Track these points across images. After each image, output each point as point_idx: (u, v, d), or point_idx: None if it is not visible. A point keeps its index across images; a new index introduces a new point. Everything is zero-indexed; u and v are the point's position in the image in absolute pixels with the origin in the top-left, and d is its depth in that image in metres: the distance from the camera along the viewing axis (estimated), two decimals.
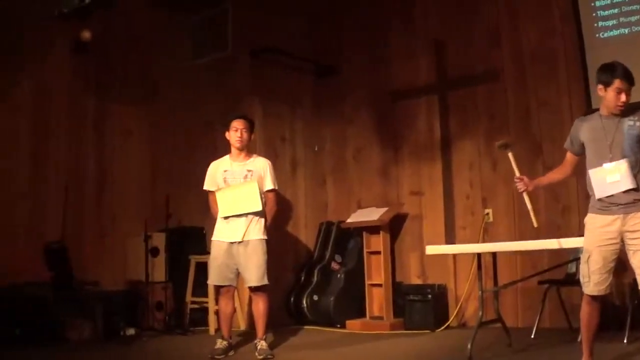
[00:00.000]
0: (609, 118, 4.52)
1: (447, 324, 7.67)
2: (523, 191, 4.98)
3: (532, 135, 7.54)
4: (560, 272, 6.75)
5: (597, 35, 7.29)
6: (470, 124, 7.99)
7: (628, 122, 4.45)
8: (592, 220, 4.55)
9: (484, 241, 7.59)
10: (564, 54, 7.44)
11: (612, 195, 4.41)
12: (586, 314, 4.57)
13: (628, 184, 4.36)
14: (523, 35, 7.72)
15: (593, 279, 4.45)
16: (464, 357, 5.52)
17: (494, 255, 6.27)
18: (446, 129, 8.16)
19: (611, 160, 4.43)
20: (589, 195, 4.68)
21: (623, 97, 4.42)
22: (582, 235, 6.42)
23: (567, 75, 7.38)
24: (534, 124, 7.57)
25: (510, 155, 5.19)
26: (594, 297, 4.50)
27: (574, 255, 6.71)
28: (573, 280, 6.70)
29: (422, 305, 7.68)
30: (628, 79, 4.43)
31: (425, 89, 8.30)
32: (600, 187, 4.48)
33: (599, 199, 4.48)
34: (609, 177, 4.44)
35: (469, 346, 5.53)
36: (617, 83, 4.42)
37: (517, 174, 5.05)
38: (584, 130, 4.64)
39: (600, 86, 4.52)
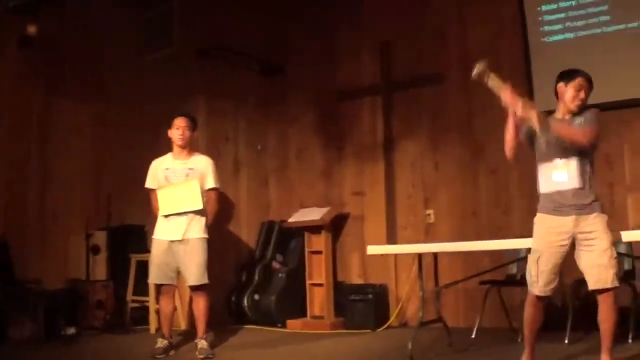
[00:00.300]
0: (562, 121, 4.57)
1: (387, 324, 7.72)
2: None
3: (475, 138, 7.67)
4: (501, 273, 6.84)
5: (543, 39, 7.46)
6: (414, 125, 8.08)
7: (577, 121, 4.53)
8: (543, 221, 4.57)
9: (425, 241, 7.64)
10: (509, 57, 7.55)
11: (562, 196, 4.46)
12: (530, 315, 4.60)
13: (575, 182, 4.42)
14: (470, 38, 7.84)
15: (542, 279, 4.48)
16: (404, 356, 5.56)
17: (435, 255, 6.30)
18: (389, 130, 8.23)
19: (561, 157, 4.47)
20: (534, 195, 4.75)
21: (582, 94, 4.49)
22: (523, 236, 6.55)
23: (512, 79, 7.36)
24: (477, 127, 7.67)
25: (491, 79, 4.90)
26: (539, 298, 4.54)
27: (515, 256, 6.80)
28: (514, 281, 6.84)
29: (363, 305, 7.73)
30: (589, 80, 4.53)
31: (370, 89, 8.37)
32: (546, 182, 4.53)
33: (550, 200, 4.51)
34: (555, 174, 4.49)
35: (409, 346, 5.56)
36: (578, 80, 4.51)
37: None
38: None
39: (560, 84, 4.60)
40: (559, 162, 4.48)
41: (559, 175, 4.46)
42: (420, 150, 8.03)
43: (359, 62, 8.44)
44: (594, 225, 4.40)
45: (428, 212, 7.91)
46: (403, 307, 7.83)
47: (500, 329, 6.86)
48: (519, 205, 7.33)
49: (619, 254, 6.11)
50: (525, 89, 7.33)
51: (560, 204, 4.46)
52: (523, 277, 6.72)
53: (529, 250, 6.57)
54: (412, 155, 8.07)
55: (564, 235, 4.44)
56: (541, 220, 4.58)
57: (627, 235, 5.31)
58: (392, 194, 8.12)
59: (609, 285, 4.35)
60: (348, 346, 6.75)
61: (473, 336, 6.53)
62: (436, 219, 7.85)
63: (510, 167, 7.34)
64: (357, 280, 8.19)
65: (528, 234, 6.79)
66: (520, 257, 6.79)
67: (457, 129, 7.79)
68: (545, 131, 4.45)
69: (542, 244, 4.52)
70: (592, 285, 4.41)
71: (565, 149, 4.46)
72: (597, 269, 4.35)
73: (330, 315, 7.88)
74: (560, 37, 7.42)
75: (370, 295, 7.73)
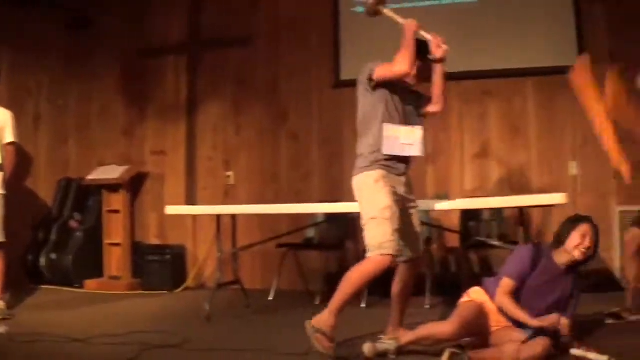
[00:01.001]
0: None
1: (185, 285, 7.77)
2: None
3: (279, 103, 7.83)
4: (299, 237, 7.05)
5: (353, 8, 7.66)
6: (219, 88, 8.11)
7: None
8: (384, 177, 4.22)
9: (224, 204, 7.76)
10: (318, 24, 7.78)
11: (398, 158, 4.31)
12: (370, 279, 4.17)
13: (418, 150, 4.32)
14: (281, 2, 7.96)
15: (397, 238, 4.11)
16: (202, 317, 5.65)
17: (233, 217, 6.39)
18: (193, 91, 8.19)
19: (406, 124, 4.30)
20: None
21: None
22: (321, 201, 6.75)
23: (320, 45, 7.67)
24: (282, 92, 7.84)
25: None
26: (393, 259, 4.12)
27: (313, 221, 6.99)
28: (311, 245, 7.02)
29: (160, 266, 7.72)
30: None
31: (176, 47, 8.25)
32: (392, 144, 4.22)
33: (386, 157, 4.23)
34: (403, 138, 4.28)
35: (207, 307, 5.66)
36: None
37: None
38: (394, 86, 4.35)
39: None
40: (406, 128, 4.30)
41: (406, 139, 4.29)
42: (223, 113, 8.07)
43: (168, 19, 8.29)
44: (412, 193, 4.47)
45: (228, 174, 7.97)
46: (201, 268, 7.89)
47: (297, 291, 7.12)
48: (319, 171, 7.61)
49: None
50: (332, 57, 7.56)
51: (398, 162, 4.30)
52: (321, 240, 6.99)
53: (327, 215, 6.84)
54: (215, 117, 8.10)
55: (398, 197, 4.25)
56: (382, 176, 4.20)
57: (426, 204, 5.63)
58: (192, 155, 8.12)
59: (421, 254, 4.52)
60: (145, 307, 6.72)
61: (270, 298, 6.72)
62: (236, 181, 7.95)
63: (311, 133, 7.56)
64: (155, 240, 8.16)
65: (326, 199, 7.08)
66: (318, 222, 7.01)
67: (262, 93, 7.90)
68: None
69: (390, 200, 4.14)
70: (415, 252, 4.43)
71: (418, 118, 4.44)
72: (417, 235, 4.45)
73: (128, 275, 7.82)
74: None
75: (168, 256, 7.73)
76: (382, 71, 4.31)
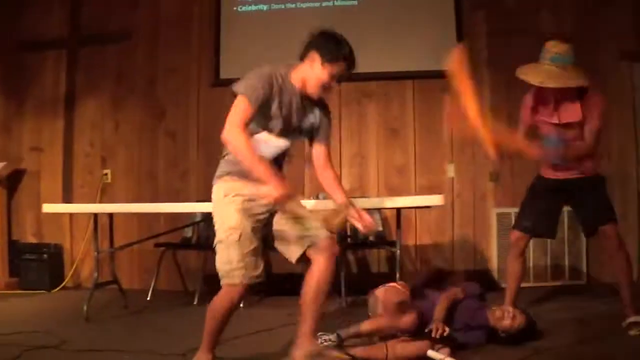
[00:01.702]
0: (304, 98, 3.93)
1: (62, 285, 7.71)
2: None
3: (157, 100, 7.86)
4: (177, 236, 7.11)
5: (235, 8, 7.80)
6: (98, 84, 8.05)
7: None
8: (239, 189, 3.81)
9: (102, 201, 7.77)
10: (199, 22, 7.85)
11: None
12: (229, 306, 3.86)
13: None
14: (162, 0, 7.98)
15: (249, 262, 3.72)
16: (80, 317, 5.64)
17: (110, 216, 6.41)
18: (72, 86, 8.09)
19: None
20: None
21: (334, 85, 3.89)
22: (199, 200, 6.73)
23: (200, 44, 7.73)
24: (160, 90, 7.87)
25: None
26: (246, 287, 3.77)
27: (191, 220, 7.03)
28: (189, 244, 7.05)
29: (37, 265, 7.63)
30: (351, 68, 3.93)
31: (55, 42, 8.12)
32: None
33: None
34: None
35: (84, 307, 5.66)
36: (340, 67, 3.86)
37: None
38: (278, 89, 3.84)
39: (316, 55, 3.83)
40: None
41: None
42: (102, 109, 8.02)
43: (47, 13, 8.14)
44: None
45: (105, 171, 7.93)
46: (78, 267, 7.84)
47: (175, 291, 7.18)
48: (197, 170, 7.67)
49: None
50: (212, 55, 7.59)
51: None
52: (198, 240, 7.01)
53: (205, 214, 6.85)
54: (93, 114, 8.04)
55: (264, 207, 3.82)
56: (236, 189, 3.81)
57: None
58: (70, 152, 8.03)
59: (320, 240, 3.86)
60: (23, 307, 6.65)
61: (148, 298, 6.76)
62: (113, 179, 7.92)
63: (190, 132, 7.57)
64: (31, 239, 8.02)
65: (204, 198, 7.07)
66: (195, 221, 7.01)
67: (141, 91, 7.90)
68: None
69: (243, 219, 3.76)
70: (303, 246, 3.86)
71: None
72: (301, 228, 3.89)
73: (4, 275, 7.69)
74: (253, 7, 7.81)
75: (45, 255, 7.65)
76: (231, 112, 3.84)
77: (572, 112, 4.76)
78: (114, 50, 7.96)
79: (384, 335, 4.31)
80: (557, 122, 4.80)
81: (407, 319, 4.27)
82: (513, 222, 5.42)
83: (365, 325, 4.35)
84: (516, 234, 5.16)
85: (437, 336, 4.11)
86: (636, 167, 7.49)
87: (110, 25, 7.98)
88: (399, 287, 4.69)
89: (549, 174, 5.02)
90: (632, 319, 4.66)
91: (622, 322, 4.72)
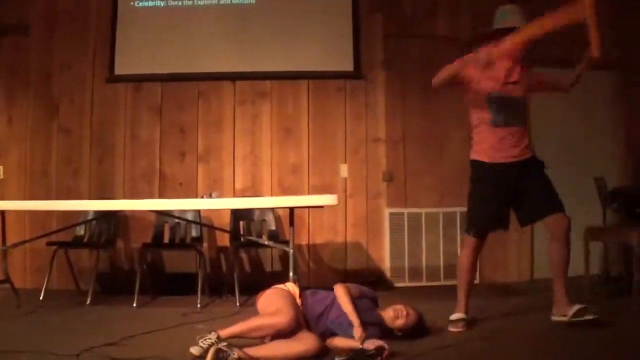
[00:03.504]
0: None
1: None
2: None
3: (51, 95, 7.98)
4: (69, 235, 7.25)
5: (132, 3, 8.03)
6: None
7: None
8: None
9: None
10: (96, 16, 8.03)
11: None
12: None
13: None
14: None
15: None
16: None
17: (2, 213, 6.50)
18: None
19: None
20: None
21: None
22: (94, 198, 6.97)
23: (96, 39, 7.90)
24: (55, 84, 8.00)
25: None
26: None
27: (83, 218, 7.22)
28: (81, 243, 7.20)
29: None
30: None
31: None
32: None
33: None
34: None
35: None
36: None
37: None
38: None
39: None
40: None
41: None
42: None
43: None
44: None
45: None
46: None
47: (68, 290, 7.30)
48: (90, 168, 7.82)
49: (188, 221, 6.92)
50: (107, 51, 7.79)
51: None
52: (90, 239, 7.19)
53: (97, 212, 7.05)
54: None
55: None
56: None
57: (196, 204, 6.00)
58: None
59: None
60: None
61: (41, 298, 6.82)
62: (6, 176, 7.98)
63: (83, 128, 7.72)
64: None
65: (97, 196, 7.33)
66: (88, 219, 7.20)
67: (35, 85, 8.01)
68: None
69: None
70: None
71: None
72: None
73: None
74: (150, 3, 8.05)
75: None
76: None
77: None
78: (9, 42, 8.01)
79: (272, 335, 4.44)
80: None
81: (282, 319, 4.38)
82: (466, 224, 5.40)
83: (242, 325, 4.44)
84: (474, 241, 5.26)
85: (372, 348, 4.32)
86: None
87: (5, 17, 8.04)
88: (285, 287, 4.85)
89: (496, 157, 5.10)
90: (578, 306, 4.93)
91: (552, 317, 5.08)
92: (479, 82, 5.06)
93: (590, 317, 4.83)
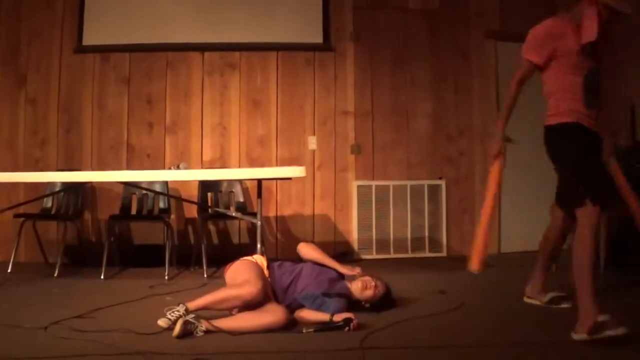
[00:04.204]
0: None
1: None
2: None
3: (19, 66, 8.00)
4: (36, 206, 7.34)
5: None
6: None
7: None
8: None
9: None
10: None
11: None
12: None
13: None
14: None
15: None
16: None
17: None
18: None
19: None
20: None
21: None
22: (61, 169, 7.07)
23: (64, 9, 7.98)
24: (23, 54, 8.02)
25: None
26: None
27: (50, 190, 7.29)
28: (49, 215, 7.27)
29: None
30: None
31: None
32: None
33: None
34: None
35: None
36: None
37: None
38: None
39: None
40: None
41: None
42: None
43: None
44: None
45: None
46: None
47: (36, 263, 7.40)
48: (57, 138, 7.88)
49: (155, 193, 7.04)
50: (76, 19, 7.91)
51: None
52: (58, 211, 7.28)
53: (65, 184, 7.14)
54: None
55: None
56: None
57: (163, 175, 6.12)
58: None
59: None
60: None
61: (9, 271, 6.85)
62: None
63: (50, 98, 7.79)
64: None
65: (64, 167, 7.41)
66: (55, 191, 7.29)
67: (2, 55, 8.01)
68: None
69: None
70: None
71: None
72: None
73: None
74: None
75: None
76: None
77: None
78: None
79: (240, 307, 4.57)
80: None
81: (250, 290, 4.47)
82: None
83: (210, 297, 4.54)
84: (596, 212, 4.36)
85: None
86: None
87: None
88: (252, 259, 4.97)
89: (586, 121, 4.65)
90: (553, 294, 5.12)
91: (525, 298, 5.24)
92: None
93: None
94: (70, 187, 7.32)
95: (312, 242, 4.98)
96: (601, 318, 3.95)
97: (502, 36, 8.32)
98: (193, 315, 4.29)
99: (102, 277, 6.50)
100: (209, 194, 7.64)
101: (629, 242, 6.45)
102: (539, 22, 4.62)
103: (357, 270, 5.00)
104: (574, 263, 4.25)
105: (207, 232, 7.75)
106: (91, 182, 7.46)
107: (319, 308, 4.64)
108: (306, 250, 5.09)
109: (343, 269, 4.99)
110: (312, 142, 8.02)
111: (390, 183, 8.00)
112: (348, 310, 4.64)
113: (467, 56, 8.34)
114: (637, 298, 5.42)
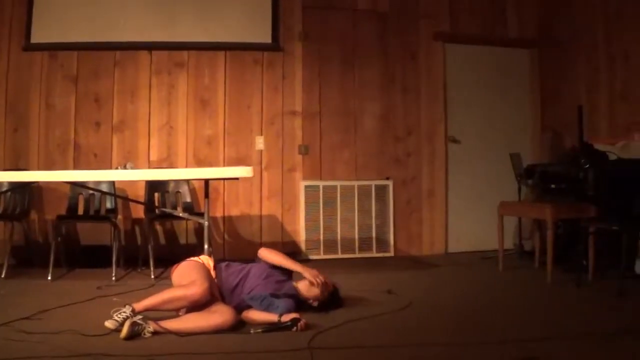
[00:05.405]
0: None
1: None
2: None
3: None
4: None
5: None
6: None
7: None
8: None
9: None
10: None
11: None
12: None
13: None
14: None
15: None
16: None
17: None
18: None
19: None
20: None
21: None
22: (8, 169, 7.21)
23: (12, 7, 8.05)
24: None
25: None
26: None
27: None
28: None
29: None
30: None
31: None
32: None
33: None
34: None
35: None
36: None
37: None
38: None
39: None
40: None
41: None
42: None
43: None
44: None
45: None
46: None
47: None
48: (4, 138, 7.93)
49: (102, 193, 7.20)
50: (24, 17, 7.98)
51: None
52: (5, 211, 7.38)
53: (11, 184, 7.24)
54: None
55: None
56: None
57: (110, 175, 6.30)
58: None
59: None
60: None
61: None
62: None
63: None
64: None
65: (11, 166, 7.53)
66: (2, 190, 7.43)
67: None
68: None
69: None
70: None
71: None
72: None
73: None
74: None
75: None
76: None
77: None
78: None
79: (187, 308, 4.73)
80: None
81: (196, 290, 4.61)
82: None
83: (157, 298, 4.67)
84: None
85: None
86: (444, 144, 8.65)
87: None
88: (199, 260, 5.14)
89: None
90: None
91: None
92: None
93: None
94: (17, 187, 7.37)
95: (261, 243, 5.17)
96: None
97: (451, 38, 8.70)
98: (141, 317, 4.41)
99: (49, 278, 6.61)
100: (156, 194, 7.80)
101: (572, 241, 6.80)
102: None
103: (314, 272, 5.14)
104: None
105: (154, 233, 7.90)
106: (38, 182, 7.53)
107: (266, 309, 4.80)
108: (267, 254, 5.26)
109: (306, 272, 5.11)
110: (260, 142, 8.25)
111: (338, 183, 8.29)
112: (297, 310, 4.82)
113: (416, 57, 8.67)
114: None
